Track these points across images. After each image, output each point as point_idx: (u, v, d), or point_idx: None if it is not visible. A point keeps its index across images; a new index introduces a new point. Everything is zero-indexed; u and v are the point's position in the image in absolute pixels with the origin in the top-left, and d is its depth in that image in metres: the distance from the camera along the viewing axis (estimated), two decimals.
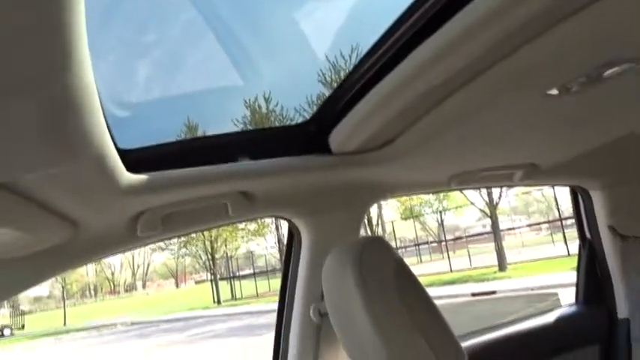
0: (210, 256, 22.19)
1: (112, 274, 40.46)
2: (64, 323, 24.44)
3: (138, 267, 40.95)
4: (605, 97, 1.09)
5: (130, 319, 20.74)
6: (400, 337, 0.94)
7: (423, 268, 19.11)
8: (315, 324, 1.38)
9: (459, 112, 1.03)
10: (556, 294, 7.08)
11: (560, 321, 1.75)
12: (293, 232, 1.48)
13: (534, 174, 1.55)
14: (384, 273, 0.98)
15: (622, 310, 1.78)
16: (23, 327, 25.38)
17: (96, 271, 38.78)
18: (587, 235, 1.91)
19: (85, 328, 20.96)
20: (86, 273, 37.65)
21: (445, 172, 1.47)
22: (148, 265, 41.36)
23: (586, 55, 0.89)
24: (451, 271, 17.07)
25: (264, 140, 1.20)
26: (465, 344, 1.60)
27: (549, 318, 1.76)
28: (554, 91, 1.00)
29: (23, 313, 29.57)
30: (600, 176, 1.78)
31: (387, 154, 1.19)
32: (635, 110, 1.30)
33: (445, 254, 19.35)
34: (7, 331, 23.31)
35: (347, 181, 1.32)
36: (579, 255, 1.93)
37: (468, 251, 18.80)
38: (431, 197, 22.25)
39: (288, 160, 1.18)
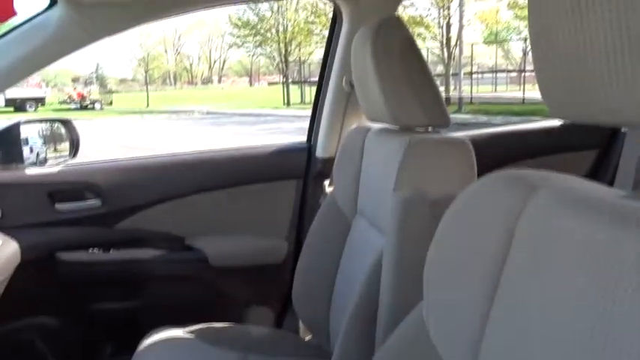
0: (283, 59, 22.53)
1: (190, 65, 42.05)
2: (147, 105, 26.42)
3: (214, 62, 42.17)
4: None
5: (205, 109, 22.15)
6: (400, 99, 1.20)
7: (497, 96, 18.73)
8: (346, 92, 1.71)
9: None
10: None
11: (566, 126, 1.93)
12: (336, 15, 1.71)
13: None
14: (394, 48, 1.18)
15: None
16: (111, 103, 27.71)
17: (175, 60, 40.35)
18: None
19: (166, 111, 22.69)
20: (166, 61, 39.26)
21: None
22: (224, 61, 42.45)
23: None
24: (523, 103, 16.68)
25: None
26: (470, 133, 1.86)
27: (556, 123, 1.95)
28: None
29: (111, 92, 31.99)
30: None
31: None
32: None
33: (522, 86, 18.70)
34: (97, 105, 25.68)
35: None
36: None
37: None
38: (520, 23, 20.81)
39: None
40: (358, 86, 1.35)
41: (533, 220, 0.52)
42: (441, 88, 17.75)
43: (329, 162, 1.70)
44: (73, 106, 25.00)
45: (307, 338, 1.69)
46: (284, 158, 1.82)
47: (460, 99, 17.16)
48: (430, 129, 1.25)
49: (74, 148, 1.75)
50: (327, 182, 1.78)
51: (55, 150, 1.79)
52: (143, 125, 17.42)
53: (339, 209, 1.45)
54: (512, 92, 19.29)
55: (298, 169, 1.81)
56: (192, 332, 1.43)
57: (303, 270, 1.50)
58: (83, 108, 24.86)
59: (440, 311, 0.64)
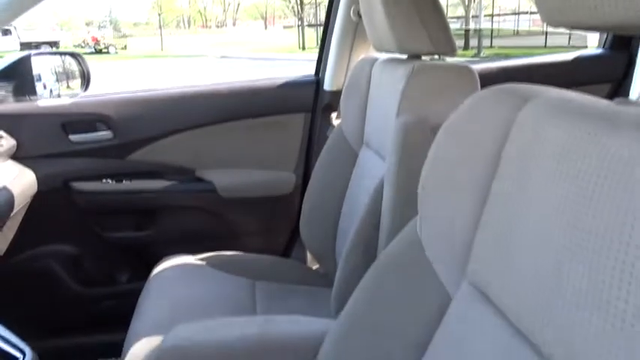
0: (298, 1, 22.01)
1: (204, 8, 41.26)
2: (161, 49, 26.21)
3: (229, 4, 41.33)
4: None
5: (220, 53, 21.92)
6: (406, 26, 1.17)
7: (518, 40, 18.23)
8: (354, 23, 1.70)
9: None
10: None
11: (579, 60, 1.89)
12: None
13: None
14: None
15: None
16: (125, 47, 27.56)
17: (189, 2, 39.61)
18: None
19: (179, 55, 22.51)
20: (180, 5, 38.58)
21: None
22: (239, 4, 41.61)
23: None
24: (545, 46, 16.23)
25: None
26: (479, 67, 1.82)
27: (568, 57, 1.91)
28: None
29: (125, 36, 31.76)
30: None
31: None
32: None
33: (545, 29, 18.10)
34: (112, 49, 25.58)
35: None
36: None
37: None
38: None
39: None
40: (365, 15, 1.33)
41: (522, 130, 0.52)
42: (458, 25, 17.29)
43: (337, 94, 1.70)
44: (87, 49, 24.92)
45: (314, 267, 1.75)
46: (292, 91, 1.82)
47: (480, 42, 16.73)
48: (437, 57, 1.24)
49: (85, 81, 1.77)
50: (334, 115, 1.79)
51: (68, 87, 1.81)
52: (157, 69, 17.35)
53: (346, 141, 1.46)
54: (535, 35, 18.71)
55: (306, 102, 1.81)
56: (202, 260, 1.48)
57: (310, 201, 1.53)
58: (98, 52, 24.79)
59: (432, 223, 0.65)
